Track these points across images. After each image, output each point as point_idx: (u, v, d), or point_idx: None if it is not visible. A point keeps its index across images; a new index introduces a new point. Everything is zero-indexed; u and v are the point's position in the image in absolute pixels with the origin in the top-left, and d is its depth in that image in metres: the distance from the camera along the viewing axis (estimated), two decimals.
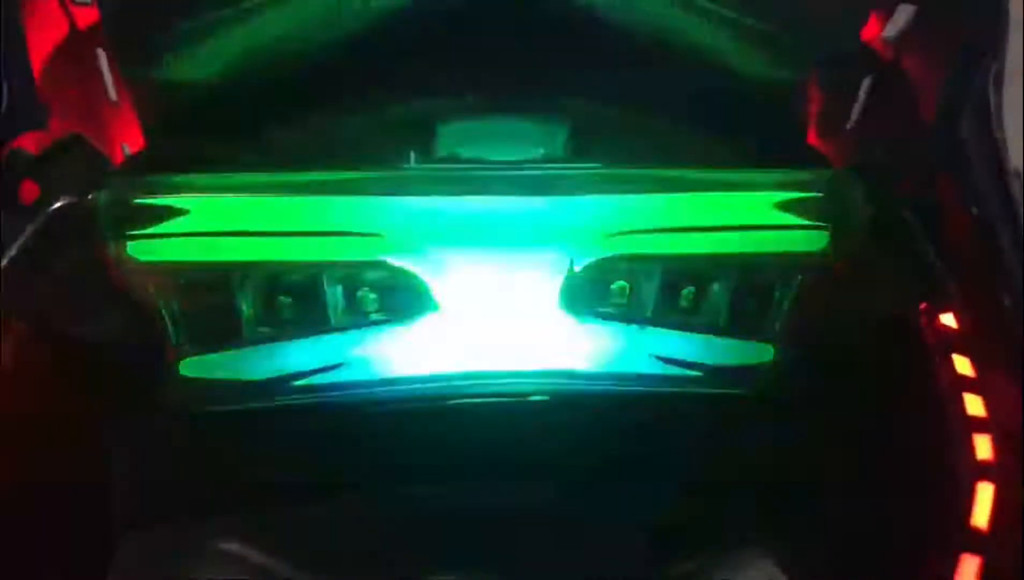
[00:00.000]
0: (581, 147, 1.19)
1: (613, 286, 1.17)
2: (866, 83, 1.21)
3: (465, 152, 1.17)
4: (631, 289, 1.17)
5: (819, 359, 1.19)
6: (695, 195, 1.15)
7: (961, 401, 1.11)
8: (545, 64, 1.21)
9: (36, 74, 1.04)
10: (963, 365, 1.13)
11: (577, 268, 1.14)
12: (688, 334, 1.19)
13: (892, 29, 1.18)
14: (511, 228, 1.14)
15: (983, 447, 1.09)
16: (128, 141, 1.17)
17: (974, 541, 1.05)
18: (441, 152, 1.17)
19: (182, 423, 1.16)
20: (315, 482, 1.18)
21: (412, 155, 1.17)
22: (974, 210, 1.12)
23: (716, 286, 1.18)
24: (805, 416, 1.21)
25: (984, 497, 1.07)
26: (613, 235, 1.14)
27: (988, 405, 1.10)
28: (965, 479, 1.08)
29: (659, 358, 1.19)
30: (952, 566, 1.05)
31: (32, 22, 1.04)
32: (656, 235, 1.15)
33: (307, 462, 1.18)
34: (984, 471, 1.08)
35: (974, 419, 1.10)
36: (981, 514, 1.07)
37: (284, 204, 1.12)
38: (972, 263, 1.14)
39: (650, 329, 1.18)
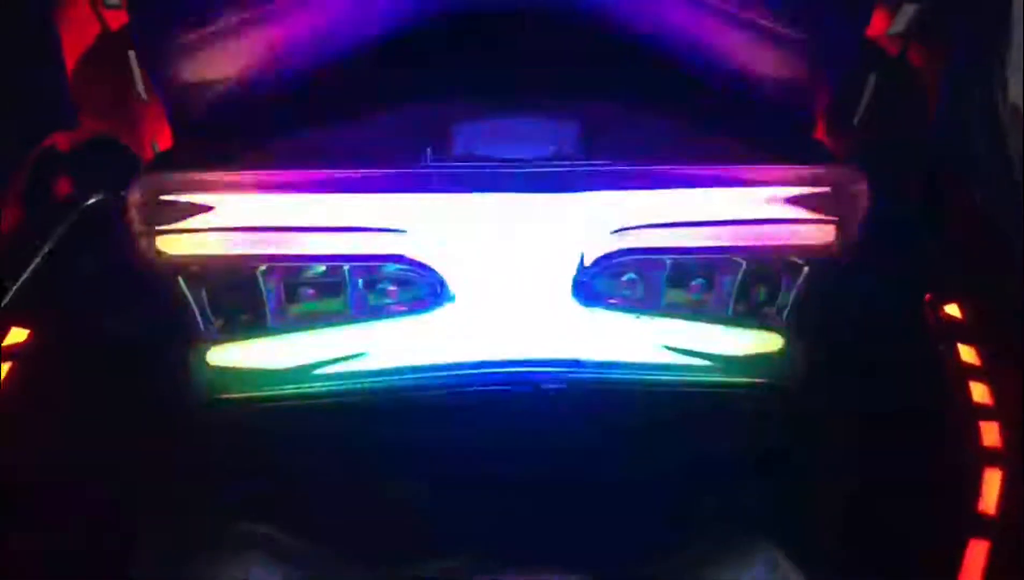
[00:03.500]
0: (592, 145, 1.19)
1: (623, 278, 1.19)
2: (872, 79, 1.23)
3: (480, 150, 1.18)
4: (641, 280, 1.19)
5: (827, 348, 1.21)
6: (703, 191, 1.17)
7: (967, 389, 1.12)
8: (557, 65, 1.22)
9: (69, 74, 1.07)
10: (968, 354, 1.14)
11: (588, 261, 1.16)
12: (697, 323, 1.21)
13: (898, 26, 1.20)
14: (524, 223, 1.16)
15: (990, 434, 1.10)
16: (158, 138, 1.20)
17: (982, 526, 1.06)
18: (457, 151, 1.18)
19: (208, 408, 1.18)
20: (334, 466, 1.20)
21: (429, 153, 1.18)
22: (979, 201, 1.14)
23: (725, 277, 1.20)
24: (813, 404, 1.22)
25: (992, 483, 1.08)
26: (623, 230, 1.16)
27: (994, 393, 1.11)
28: (972, 465, 1.09)
29: (669, 347, 1.21)
30: (960, 551, 1.06)
31: (65, 24, 1.07)
32: (665, 229, 1.16)
33: (327, 446, 1.20)
34: (991, 457, 1.09)
35: (980, 406, 1.11)
36: (989, 500, 1.08)
37: (307, 201, 1.14)
38: (977, 253, 1.16)
39: (660, 319, 1.20)
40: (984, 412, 1.11)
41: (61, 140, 1.08)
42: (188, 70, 1.16)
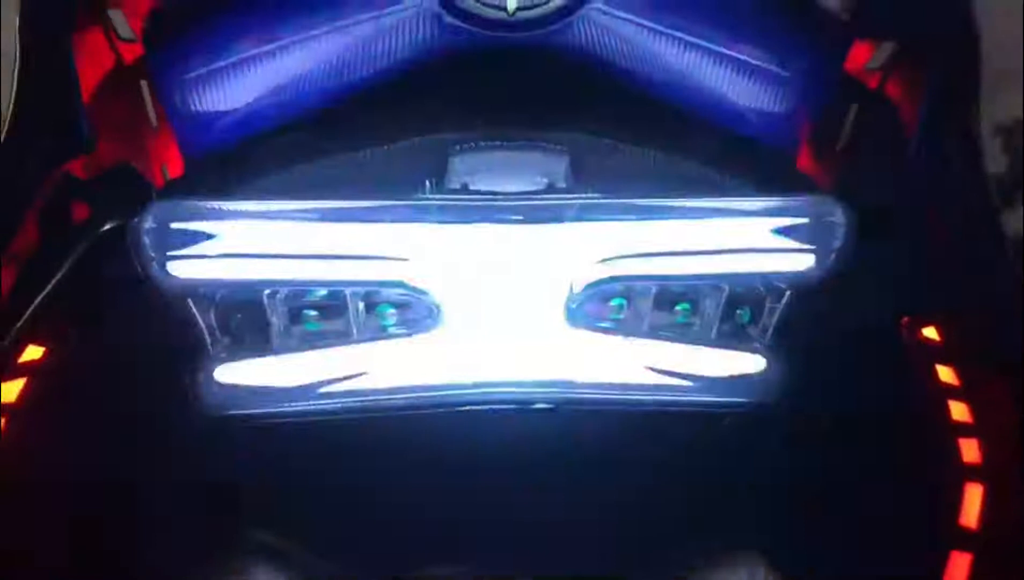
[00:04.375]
0: (582, 178, 1.24)
1: (612, 303, 1.22)
2: (852, 110, 1.27)
3: (475, 184, 1.22)
4: (628, 305, 1.22)
5: (809, 368, 1.23)
6: (687, 222, 1.20)
7: (947, 408, 1.16)
8: (549, 101, 1.27)
9: (85, 101, 1.10)
10: (947, 374, 1.18)
11: (578, 288, 1.19)
12: (682, 346, 1.23)
13: (876, 61, 1.24)
14: (518, 252, 1.19)
15: (970, 450, 1.13)
16: (168, 164, 1.23)
17: (964, 539, 1.10)
18: (453, 183, 1.22)
19: (216, 424, 1.21)
20: (335, 479, 1.22)
21: (427, 185, 1.22)
22: (956, 224, 1.18)
23: (708, 302, 1.22)
24: (795, 421, 1.24)
25: (973, 497, 1.11)
26: (611, 259, 1.19)
27: (973, 411, 1.15)
28: (954, 481, 1.12)
29: (654, 369, 1.22)
30: (942, 563, 1.10)
31: (82, 56, 1.10)
32: (651, 258, 1.19)
33: (329, 461, 1.22)
34: (972, 473, 1.12)
35: (960, 424, 1.15)
36: (970, 514, 1.11)
37: (311, 230, 1.18)
38: (956, 275, 1.19)
39: (646, 341, 1.22)
40: (964, 430, 1.14)
41: (78, 166, 1.11)
42: (199, 101, 1.21)
